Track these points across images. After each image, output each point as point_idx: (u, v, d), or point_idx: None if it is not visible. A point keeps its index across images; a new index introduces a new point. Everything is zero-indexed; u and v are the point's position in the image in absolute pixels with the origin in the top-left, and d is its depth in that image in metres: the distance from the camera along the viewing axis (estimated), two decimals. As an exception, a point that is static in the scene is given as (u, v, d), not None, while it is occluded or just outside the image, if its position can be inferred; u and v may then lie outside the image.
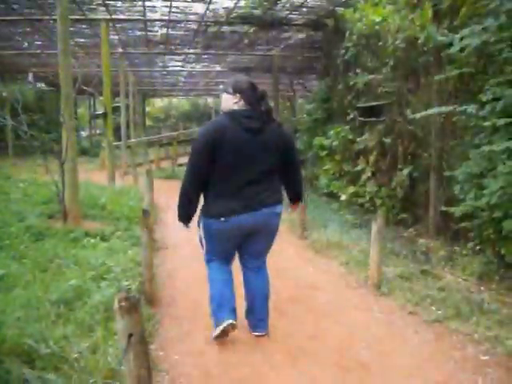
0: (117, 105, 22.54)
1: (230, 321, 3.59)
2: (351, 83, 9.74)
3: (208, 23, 12.76)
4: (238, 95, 3.55)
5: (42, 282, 4.17)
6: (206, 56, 18.68)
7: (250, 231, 3.59)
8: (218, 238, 3.63)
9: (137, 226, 7.03)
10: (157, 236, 7.35)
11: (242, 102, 3.54)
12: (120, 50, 16.94)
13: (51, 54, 16.40)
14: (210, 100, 48.08)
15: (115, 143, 21.07)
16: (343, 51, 10.38)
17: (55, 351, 2.97)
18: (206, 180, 3.49)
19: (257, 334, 3.81)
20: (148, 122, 44.93)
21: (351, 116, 10.18)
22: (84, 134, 33.26)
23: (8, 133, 22.59)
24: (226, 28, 13.40)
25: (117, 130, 19.45)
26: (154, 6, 11.38)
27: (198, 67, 22.44)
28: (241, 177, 3.46)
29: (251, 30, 13.41)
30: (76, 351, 3.00)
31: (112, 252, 5.41)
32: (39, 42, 15.80)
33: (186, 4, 11.13)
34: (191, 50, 17.26)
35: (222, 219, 3.47)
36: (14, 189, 9.25)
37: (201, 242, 3.78)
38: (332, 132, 10.44)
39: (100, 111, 11.56)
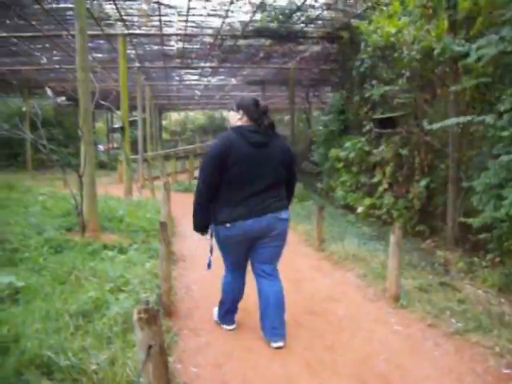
0: (134, 119, 22.76)
1: (232, 327, 4.22)
2: (367, 95, 9.73)
3: (224, 37, 12.86)
4: (241, 112, 3.84)
5: (61, 294, 4.20)
6: (221, 69, 18.83)
7: (255, 236, 3.78)
8: (226, 244, 3.89)
9: (154, 239, 7.08)
10: (174, 248, 7.36)
11: (245, 118, 3.82)
12: (137, 64, 17.15)
13: (70, 69, 16.67)
14: (225, 113, 48.40)
15: (132, 157, 21.40)
16: (359, 63, 10.39)
17: (74, 363, 2.99)
18: (218, 191, 3.72)
19: (274, 345, 3.85)
20: (165, 136, 45.27)
21: (367, 127, 10.16)
22: (102, 147, 33.52)
23: (27, 147, 22.89)
24: (241, 42, 13.50)
25: (134, 143, 19.64)
26: (171, 21, 11.50)
27: (214, 81, 22.61)
28: (246, 187, 3.70)
29: (267, 43, 13.50)
30: (95, 363, 3.01)
31: (130, 264, 5.44)
32: (58, 58, 15.99)
33: (202, 18, 11.23)
34: (207, 64, 17.42)
35: (228, 225, 3.72)
36: (33, 202, 9.36)
37: (210, 250, 4.03)
38: (348, 144, 10.43)
39: (117, 125, 11.67)
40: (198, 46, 14.37)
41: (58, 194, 10.56)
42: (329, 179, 12.04)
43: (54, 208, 8.42)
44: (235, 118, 3.88)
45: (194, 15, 10.98)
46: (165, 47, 14.37)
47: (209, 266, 4.11)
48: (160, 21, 11.31)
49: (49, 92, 11.94)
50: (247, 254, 3.97)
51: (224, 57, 15.60)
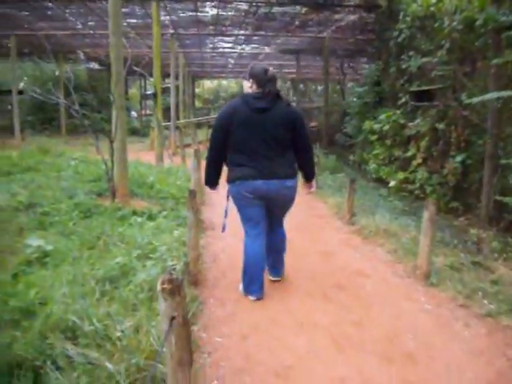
0: (166, 86, 22.69)
1: (259, 295, 4.24)
2: (404, 66, 9.46)
3: (259, 4, 12.61)
4: (251, 80, 4.14)
5: (89, 259, 4.22)
6: (255, 38, 18.53)
7: (263, 196, 4.09)
8: (239, 200, 4.19)
9: (184, 206, 7.06)
10: (203, 216, 7.35)
11: (254, 86, 4.11)
12: (171, 31, 17.00)
13: (104, 35, 16.62)
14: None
15: (164, 124, 21.40)
16: (396, 33, 10.11)
17: (99, 329, 2.98)
18: (224, 153, 4.14)
19: (271, 278, 4.64)
20: (197, 103, 45.20)
21: (403, 100, 9.91)
22: (135, 114, 33.61)
23: (61, 112, 23.07)
24: (276, 9, 13.23)
25: (166, 110, 19.65)
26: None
27: (248, 49, 22.32)
28: (250, 149, 4.03)
29: (302, 11, 13.21)
30: (119, 330, 3.00)
31: (158, 231, 5.43)
32: (92, 23, 15.95)
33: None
34: (241, 32, 17.16)
35: (238, 182, 4.08)
36: (66, 166, 9.42)
37: (225, 212, 4.44)
38: (383, 116, 10.21)
39: (150, 91, 11.63)
40: (232, 13, 14.13)
41: (90, 159, 10.63)
42: (362, 152, 11.85)
43: (85, 173, 8.47)
44: (247, 86, 4.21)
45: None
46: (199, 14, 14.17)
47: (223, 229, 4.47)
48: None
49: (81, 57, 11.88)
50: (261, 213, 4.23)
51: (258, 24, 15.34)
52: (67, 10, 13.87)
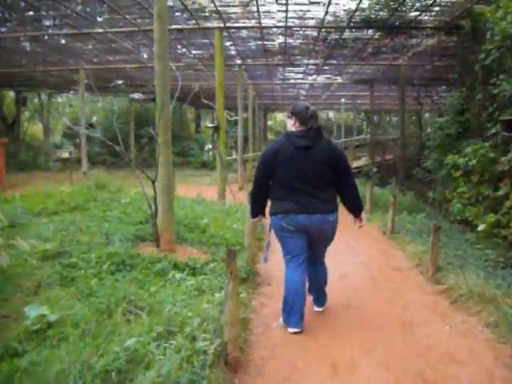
0: (235, 118, 22.20)
1: (297, 329, 4.28)
2: (495, 91, 8.24)
3: (328, 29, 11.73)
4: (294, 118, 4.32)
5: (96, 338, 3.31)
6: (327, 67, 17.68)
7: (305, 230, 4.25)
8: (282, 232, 4.33)
9: (239, 254, 6.16)
10: (260, 266, 6.40)
11: (297, 124, 4.28)
12: (238, 61, 16.43)
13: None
14: (331, 114, 47.12)
15: (231, 157, 20.78)
16: (483, 55, 8.92)
17: None
18: (267, 188, 4.35)
19: (316, 309, 4.82)
20: (270, 136, 44.76)
21: (493, 131, 8.63)
22: (209, 146, 33.43)
23: (131, 144, 23.00)
24: (347, 34, 12.31)
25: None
26: (269, 12, 10.54)
27: (319, 79, 21.49)
28: (294, 187, 4.19)
29: (376, 36, 12.20)
30: None
31: (198, 293, 4.51)
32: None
33: (303, 7, 10.17)
34: (311, 61, 16.33)
35: (280, 216, 4.25)
36: (117, 204, 8.72)
37: (267, 244, 4.99)
38: (468, 149, 8.96)
39: (212, 124, 10.99)
40: (300, 41, 13.32)
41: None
42: (443, 189, 10.54)
43: (134, 213, 7.70)
44: (290, 124, 4.37)
45: (294, 3, 9.94)
46: (266, 42, 13.45)
47: (265, 259, 5.11)
48: (258, 11, 10.36)
49: (136, 95, 11.41)
50: (302, 246, 4.35)
51: (329, 52, 14.44)
52: (129, 42, 13.47)
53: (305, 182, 4.15)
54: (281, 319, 4.43)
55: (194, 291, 4.52)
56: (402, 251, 7.30)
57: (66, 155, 30.00)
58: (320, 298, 4.80)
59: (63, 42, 14.04)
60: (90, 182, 11.63)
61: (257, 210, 4.55)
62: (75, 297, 4.18)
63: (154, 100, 6.70)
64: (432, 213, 10.80)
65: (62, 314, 3.66)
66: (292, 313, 4.28)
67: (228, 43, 13.74)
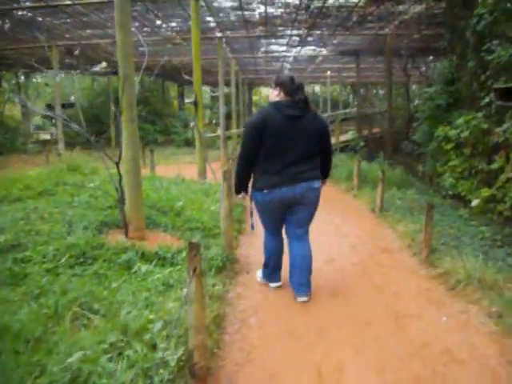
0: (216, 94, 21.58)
1: (279, 283, 4.68)
2: (489, 58, 7.71)
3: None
4: (278, 88, 4.22)
5: (36, 351, 2.80)
6: (310, 39, 17.00)
7: (289, 203, 4.22)
8: (263, 208, 4.35)
9: (216, 239, 5.68)
10: (239, 252, 5.91)
11: (282, 94, 4.19)
12: (218, 34, 15.74)
13: (149, 43, 15.57)
14: (317, 88, 46.40)
15: (214, 134, 20.13)
16: (474, 20, 8.39)
17: None
18: (255, 160, 4.16)
19: (299, 299, 4.38)
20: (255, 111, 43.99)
21: (486, 100, 8.13)
22: (192, 124, 32.64)
23: (111, 123, 22.26)
24: (331, 2, 11.66)
25: (227, 119, 18.56)
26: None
27: (304, 52, 20.81)
28: (282, 158, 4.10)
29: (361, 3, 11.57)
30: None
31: (165, 288, 4.01)
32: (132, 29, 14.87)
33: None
34: (294, 32, 15.66)
35: (265, 191, 4.17)
36: (86, 188, 8.13)
37: (251, 214, 4.86)
38: (460, 120, 8.47)
39: (189, 100, 10.31)
40: (282, 10, 12.64)
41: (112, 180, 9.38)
42: (434, 162, 10.05)
43: (103, 197, 7.10)
44: (273, 94, 4.27)
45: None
46: (245, 12, 12.77)
47: (252, 227, 5.03)
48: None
49: (97, 67, 10.76)
50: (283, 218, 4.42)
51: (312, 22, 13.76)
52: (102, 15, 12.71)
53: (294, 152, 4.10)
54: (259, 274, 4.85)
55: (161, 286, 4.01)
56: (393, 230, 6.84)
57: (46, 137, 29.12)
58: (304, 284, 4.42)
59: (36, 17, 13.29)
60: (62, 165, 11.01)
61: (242, 185, 4.44)
62: (25, 299, 3.64)
63: (115, 73, 6.10)
64: (422, 188, 10.33)
65: (5, 320, 3.13)
66: (275, 271, 4.64)
67: (206, 16, 13.08)
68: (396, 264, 5.43)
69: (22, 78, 29.04)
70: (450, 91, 9.87)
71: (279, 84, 4.22)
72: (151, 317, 3.26)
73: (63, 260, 4.46)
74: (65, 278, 4.02)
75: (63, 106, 18.52)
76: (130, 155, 5.41)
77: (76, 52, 12.29)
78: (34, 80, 32.89)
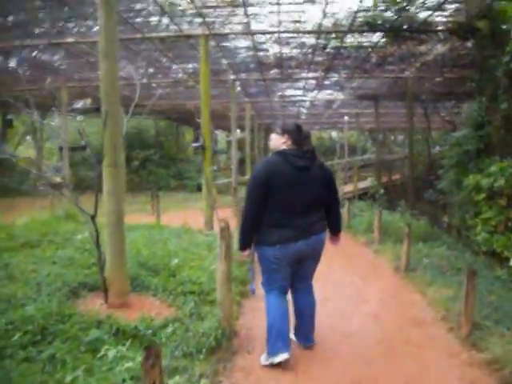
0: (230, 139, 21.00)
1: (286, 355, 3.93)
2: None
3: (327, 34, 10.41)
4: (286, 136, 4.05)
5: None
6: (327, 82, 16.35)
7: (301, 256, 4.03)
8: (274, 264, 3.99)
9: (211, 307, 4.79)
10: (242, 322, 4.99)
11: (289, 142, 4.02)
12: (231, 76, 15.14)
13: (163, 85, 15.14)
14: (334, 134, 45.80)
15: (227, 180, 19.38)
16: (507, 58, 7.64)
17: None
18: (262, 213, 3.88)
19: (306, 344, 4.32)
20: (271, 157, 43.31)
21: (523, 146, 7.27)
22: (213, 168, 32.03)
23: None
24: (349, 41, 10.97)
25: (241, 164, 17.86)
26: (258, 14, 9.27)
27: (320, 96, 20.17)
28: (292, 210, 3.90)
29: (381, 42, 10.86)
30: None
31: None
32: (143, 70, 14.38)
33: (297, 7, 8.86)
34: (310, 75, 15.01)
35: (278, 246, 3.90)
36: (74, 240, 7.30)
37: (252, 276, 5.10)
38: (494, 168, 7.60)
39: (197, 144, 9.60)
40: (297, 50, 11.97)
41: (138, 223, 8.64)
42: (463, 214, 9.10)
43: (89, 252, 6.26)
44: (279, 142, 4.06)
45: (288, 3, 8.65)
46: (259, 53, 12.13)
47: (253, 291, 5.02)
48: (246, 14, 9.09)
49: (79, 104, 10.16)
50: (289, 277, 4.10)
51: (329, 63, 13.08)
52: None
53: (303, 204, 3.93)
54: (263, 358, 4.07)
55: (129, 381, 3.10)
56: (421, 295, 5.85)
57: (58, 180, 28.66)
58: (310, 334, 4.36)
59: (43, 57, 12.84)
60: (60, 212, 10.26)
61: (247, 240, 4.04)
62: None
63: (98, 110, 5.36)
64: (450, 242, 9.34)
65: None
66: (279, 339, 3.97)
67: (220, 57, 12.49)
68: (431, 343, 4.43)
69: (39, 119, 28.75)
70: (479, 136, 9.00)
71: (287, 131, 4.04)
72: None
73: (16, 337, 3.58)
74: (12, 364, 3.13)
75: (73, 149, 17.97)
76: (112, 207, 4.58)
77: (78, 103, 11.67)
78: (50, 122, 32.74)
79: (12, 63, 13.39)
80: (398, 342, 4.48)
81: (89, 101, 14.12)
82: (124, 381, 3.08)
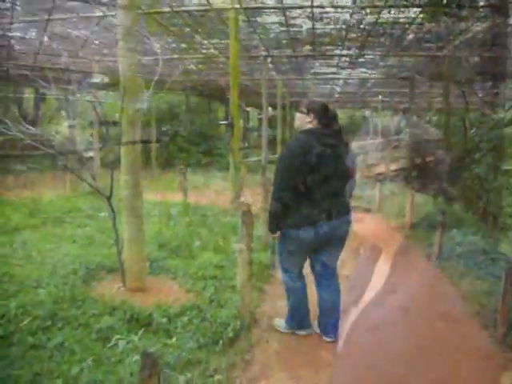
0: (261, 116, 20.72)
1: (310, 331, 4.24)
2: None
3: (361, 10, 9.98)
4: (312, 115, 3.89)
5: None
6: (362, 59, 15.86)
7: (326, 239, 3.88)
8: (296, 247, 3.94)
9: (232, 293, 4.60)
10: (263, 309, 4.79)
11: (315, 122, 3.87)
12: (263, 53, 14.77)
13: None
14: (367, 113, 44.95)
15: (256, 158, 19.11)
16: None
17: None
18: (293, 194, 3.71)
19: (328, 339, 4.13)
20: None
21: None
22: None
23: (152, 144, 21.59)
24: (384, 18, 10.51)
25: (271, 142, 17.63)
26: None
27: (354, 74, 19.65)
28: (321, 190, 3.76)
29: (418, 18, 10.38)
30: None
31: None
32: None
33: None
34: (344, 52, 14.55)
35: (304, 228, 3.79)
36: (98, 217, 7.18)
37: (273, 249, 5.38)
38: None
39: (224, 121, 9.27)
40: (331, 27, 11.55)
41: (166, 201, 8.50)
42: (500, 200, 8.70)
43: (110, 231, 6.11)
44: (304, 121, 3.92)
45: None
46: (291, 29, 11.74)
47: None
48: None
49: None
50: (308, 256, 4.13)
51: (363, 40, 12.62)
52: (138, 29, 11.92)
53: (331, 183, 3.81)
54: (283, 324, 4.30)
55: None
56: (455, 288, 5.53)
57: (91, 154, 28.79)
58: (334, 325, 4.19)
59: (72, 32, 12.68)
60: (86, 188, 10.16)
61: (277, 222, 3.87)
62: None
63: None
64: (485, 229, 8.93)
65: None
66: (305, 315, 4.22)
67: (251, 32, 12.14)
68: (463, 342, 4.14)
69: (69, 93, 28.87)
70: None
71: (314, 111, 3.89)
72: None
73: (26, 322, 3.43)
74: (18, 352, 2.98)
75: (102, 123, 17.89)
76: (128, 187, 4.39)
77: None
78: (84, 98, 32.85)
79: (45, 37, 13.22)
80: (428, 341, 4.20)
81: (105, 77, 13.95)
82: (132, 375, 2.90)
